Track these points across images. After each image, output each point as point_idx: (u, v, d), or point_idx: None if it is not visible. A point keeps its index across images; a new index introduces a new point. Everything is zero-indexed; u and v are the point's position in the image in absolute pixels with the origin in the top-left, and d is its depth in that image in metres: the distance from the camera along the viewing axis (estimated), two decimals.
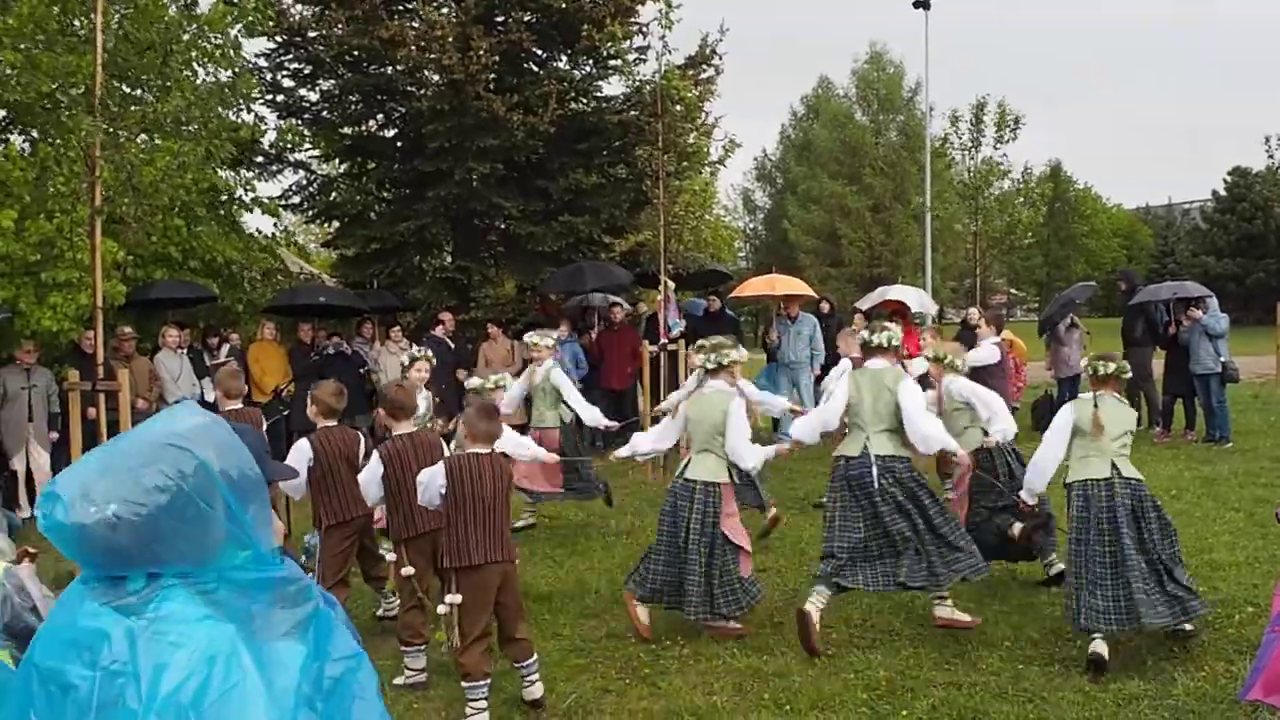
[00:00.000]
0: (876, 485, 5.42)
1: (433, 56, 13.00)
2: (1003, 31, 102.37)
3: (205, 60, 9.62)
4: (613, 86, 15.44)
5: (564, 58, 14.92)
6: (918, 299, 14.20)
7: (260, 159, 14.54)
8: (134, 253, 10.60)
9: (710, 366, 5.92)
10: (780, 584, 6.58)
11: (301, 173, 15.36)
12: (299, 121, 14.57)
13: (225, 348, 11.47)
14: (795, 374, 12.01)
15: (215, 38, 9.54)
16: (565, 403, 8.42)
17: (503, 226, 14.56)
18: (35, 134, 10.03)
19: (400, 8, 13.95)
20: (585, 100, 14.71)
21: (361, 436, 5.82)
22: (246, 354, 11.43)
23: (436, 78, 13.48)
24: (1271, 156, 44.19)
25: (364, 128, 15.20)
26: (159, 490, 1.76)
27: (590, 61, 14.84)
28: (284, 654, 1.83)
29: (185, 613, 1.78)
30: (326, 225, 16.99)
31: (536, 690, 4.79)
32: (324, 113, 14.78)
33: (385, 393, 5.68)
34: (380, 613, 6.22)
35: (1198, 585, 5.43)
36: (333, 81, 14.43)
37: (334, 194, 15.13)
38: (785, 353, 12.01)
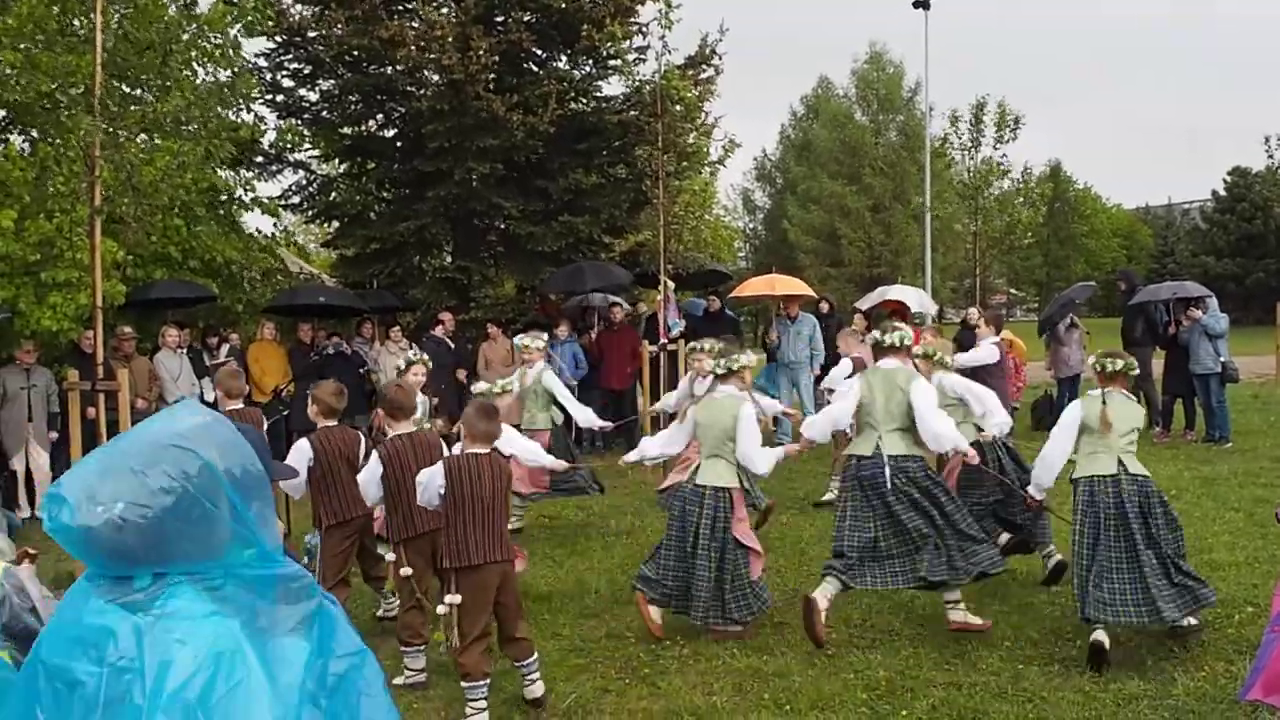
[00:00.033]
0: (890, 485, 5.42)
1: (432, 56, 13.00)
2: (1003, 31, 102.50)
3: (205, 60, 9.61)
4: (612, 86, 15.46)
5: (564, 58, 14.92)
6: (917, 299, 14.20)
7: (260, 159, 14.54)
8: (134, 252, 10.60)
9: (721, 371, 5.93)
10: (780, 584, 6.57)
11: (301, 173, 15.37)
12: (299, 121, 14.56)
13: (225, 348, 11.47)
14: (795, 374, 12.02)
15: (215, 37, 9.54)
16: (557, 404, 8.42)
17: (502, 226, 14.56)
18: (35, 134, 10.03)
19: (400, 8, 13.95)
20: (585, 100, 14.71)
21: (362, 436, 5.83)
22: (246, 354, 11.42)
23: (436, 78, 13.48)
24: (1271, 156, 44.28)
25: (364, 128, 15.20)
26: (164, 492, 1.77)
27: (590, 61, 14.84)
28: (289, 650, 1.84)
29: (191, 609, 1.79)
30: (326, 225, 16.99)
31: (538, 689, 4.80)
32: (324, 113, 14.78)
33: (384, 393, 5.69)
34: (380, 613, 6.22)
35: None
36: (332, 81, 14.43)
37: (334, 194, 15.13)
38: (785, 353, 12.01)
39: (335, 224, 15.71)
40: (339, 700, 1.88)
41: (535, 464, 6.42)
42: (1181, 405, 11.81)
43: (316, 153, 15.21)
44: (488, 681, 4.63)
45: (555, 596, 6.50)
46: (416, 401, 5.90)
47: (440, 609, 4.66)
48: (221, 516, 1.83)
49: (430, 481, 4.63)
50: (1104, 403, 5.26)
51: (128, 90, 9.12)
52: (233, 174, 13.68)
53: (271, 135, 14.20)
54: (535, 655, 4.83)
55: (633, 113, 13.70)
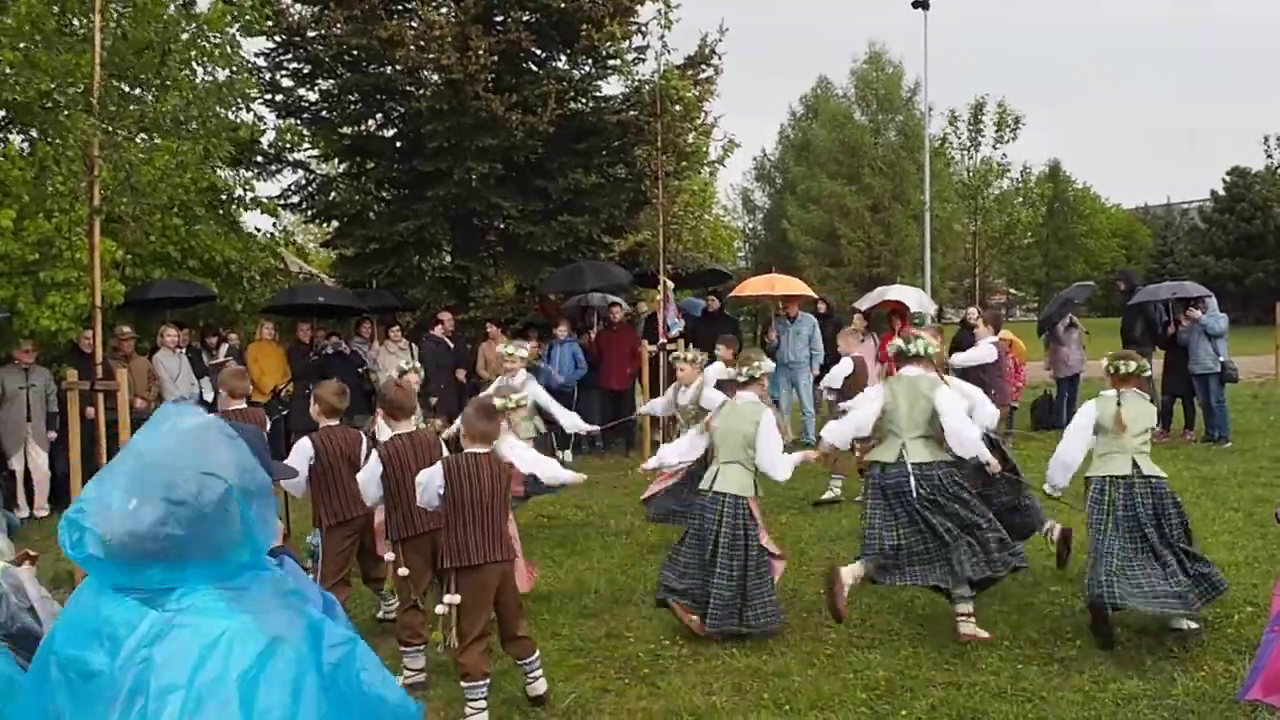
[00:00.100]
0: (915, 494, 5.42)
1: (432, 56, 13.00)
2: (1002, 31, 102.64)
3: (204, 59, 9.60)
4: (612, 86, 15.47)
5: (563, 58, 14.92)
6: (917, 299, 14.16)
7: (259, 159, 14.54)
8: (133, 252, 10.60)
9: (742, 379, 5.94)
10: (780, 584, 6.56)
11: (301, 172, 15.37)
12: (298, 121, 14.56)
13: (224, 347, 11.46)
14: (794, 374, 12.03)
15: (214, 37, 9.52)
16: (541, 413, 8.39)
17: (502, 226, 14.56)
18: (34, 133, 10.02)
19: (399, 7, 13.95)
20: (584, 100, 14.70)
21: (363, 436, 5.83)
22: (245, 354, 11.42)
23: (435, 77, 13.48)
24: (1270, 156, 44.32)
25: (363, 127, 15.19)
26: (189, 521, 1.90)
27: (589, 61, 14.84)
28: (290, 643, 1.93)
29: (204, 604, 1.88)
30: (326, 225, 16.98)
31: (540, 686, 4.81)
32: (323, 112, 14.78)
33: (384, 392, 5.68)
34: (380, 614, 6.22)
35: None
36: (332, 81, 14.42)
37: (333, 194, 15.12)
38: (784, 353, 12.02)
39: (334, 224, 15.71)
40: (340, 683, 1.99)
41: (555, 480, 6.12)
42: (1181, 405, 11.80)
43: (316, 152, 15.20)
44: (487, 681, 4.63)
45: (555, 596, 6.50)
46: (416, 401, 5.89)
47: (440, 609, 4.66)
48: (235, 528, 1.97)
49: (429, 482, 4.62)
50: (1119, 403, 5.28)
51: (127, 90, 9.11)
52: (232, 173, 13.68)
53: (271, 135, 14.23)
54: (538, 653, 4.85)
55: (632, 113, 13.69)
